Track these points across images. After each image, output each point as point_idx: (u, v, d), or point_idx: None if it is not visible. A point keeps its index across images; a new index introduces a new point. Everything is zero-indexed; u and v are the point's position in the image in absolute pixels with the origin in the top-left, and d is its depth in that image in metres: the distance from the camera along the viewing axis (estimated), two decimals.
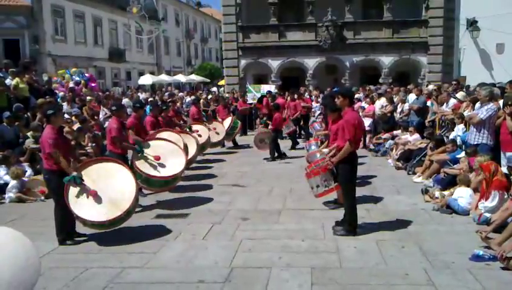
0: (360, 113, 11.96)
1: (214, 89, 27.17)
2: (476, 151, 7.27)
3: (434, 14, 22.44)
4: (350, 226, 5.84)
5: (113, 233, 6.04)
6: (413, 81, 19.70)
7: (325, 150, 7.15)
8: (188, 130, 10.82)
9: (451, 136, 9.31)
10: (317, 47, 23.09)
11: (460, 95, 10.82)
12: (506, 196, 6.10)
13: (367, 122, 12.46)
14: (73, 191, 5.74)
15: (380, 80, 22.66)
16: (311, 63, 23.61)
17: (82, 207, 5.71)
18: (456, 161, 8.12)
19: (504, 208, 5.72)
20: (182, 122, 11.68)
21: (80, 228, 6.04)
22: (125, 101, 16.84)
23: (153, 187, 7.68)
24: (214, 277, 4.71)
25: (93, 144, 10.96)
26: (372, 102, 13.79)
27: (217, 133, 12.55)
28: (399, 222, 6.33)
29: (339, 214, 6.26)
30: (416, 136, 10.67)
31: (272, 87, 20.71)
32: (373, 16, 24.16)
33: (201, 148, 10.78)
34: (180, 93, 23.90)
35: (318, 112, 15.35)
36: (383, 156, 11.60)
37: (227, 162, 12.02)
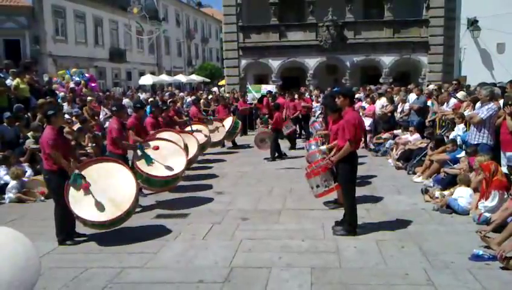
0: (361, 113, 11.96)
1: (215, 89, 27.16)
2: (476, 151, 7.26)
3: (435, 14, 22.43)
4: (350, 226, 5.84)
5: (113, 233, 6.04)
6: (413, 81, 19.69)
7: (323, 147, 7.14)
8: (187, 123, 10.85)
9: (451, 136, 9.30)
10: (317, 47, 23.10)
11: (460, 94, 10.80)
12: (506, 196, 6.10)
13: (367, 122, 12.46)
14: (73, 191, 5.75)
15: (381, 80, 22.66)
16: (311, 63, 23.62)
17: (82, 207, 5.71)
18: (456, 161, 8.11)
19: (504, 208, 5.72)
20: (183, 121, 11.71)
21: (79, 228, 6.05)
22: (125, 101, 16.85)
23: (153, 187, 7.68)
24: (213, 277, 4.71)
25: (94, 144, 10.97)
26: (373, 102, 13.79)
27: (218, 132, 12.55)
28: (399, 221, 6.33)
29: (339, 214, 6.26)
30: (417, 136, 10.67)
31: (272, 87, 20.71)
32: (374, 15, 24.16)
33: (201, 148, 10.79)
34: (181, 94, 23.90)
35: (318, 112, 15.34)
36: (383, 156, 11.60)
37: (227, 162, 12.02)
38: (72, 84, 15.72)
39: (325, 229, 6.06)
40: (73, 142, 9.06)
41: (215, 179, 9.79)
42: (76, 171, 5.75)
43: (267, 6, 23.33)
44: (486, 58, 21.66)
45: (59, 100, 13.54)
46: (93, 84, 17.28)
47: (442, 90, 12.56)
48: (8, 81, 11.99)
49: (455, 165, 7.95)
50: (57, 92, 14.76)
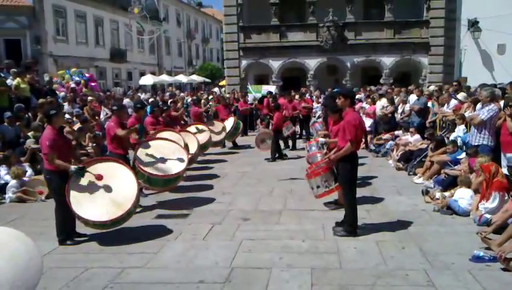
0: (361, 114, 11.97)
1: (216, 89, 27.16)
2: (477, 152, 7.26)
3: (435, 15, 22.44)
4: (350, 226, 5.84)
5: (114, 233, 6.04)
6: (414, 82, 19.70)
7: (322, 139, 7.11)
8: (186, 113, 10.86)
9: (451, 137, 9.30)
10: (318, 47, 23.11)
11: (461, 95, 10.80)
12: (506, 197, 6.10)
13: (368, 122, 12.46)
14: (74, 191, 5.75)
15: (381, 81, 22.67)
16: (312, 63, 23.63)
17: (83, 207, 5.71)
18: (456, 162, 8.11)
19: (504, 209, 5.71)
20: (183, 122, 11.74)
21: (80, 228, 6.05)
22: (126, 101, 16.84)
23: (155, 186, 7.68)
24: (214, 277, 4.71)
25: (94, 144, 10.97)
26: (373, 103, 13.79)
27: (218, 133, 12.57)
28: (399, 222, 6.33)
29: (339, 214, 6.26)
30: (417, 137, 10.66)
31: (272, 88, 20.71)
32: (374, 16, 24.16)
33: (202, 148, 10.80)
34: (181, 94, 23.91)
35: (319, 113, 15.34)
36: (384, 157, 11.61)
37: (228, 162, 12.02)
38: (72, 84, 15.73)
39: (326, 230, 6.06)
40: (73, 142, 9.05)
41: (216, 179, 9.79)
42: (73, 167, 5.72)
43: (268, 6, 23.35)
44: (487, 59, 21.67)
45: (59, 100, 13.54)
46: (93, 84, 17.28)
47: (443, 91, 12.55)
48: (9, 81, 11.99)
49: (456, 167, 7.96)
50: (57, 92, 14.75)
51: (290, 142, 13.70)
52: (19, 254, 3.32)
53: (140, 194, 7.11)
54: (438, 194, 7.24)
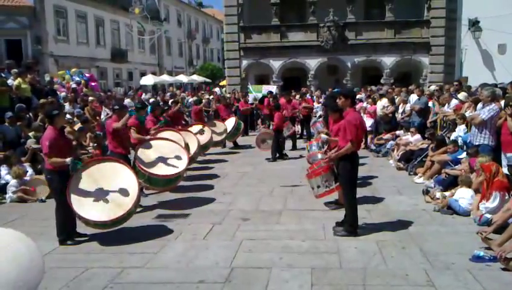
0: (362, 114, 11.97)
1: (217, 89, 27.16)
2: (477, 151, 7.26)
3: (436, 15, 22.42)
4: (351, 226, 5.84)
5: (114, 233, 6.05)
6: (414, 82, 19.66)
7: (324, 136, 7.10)
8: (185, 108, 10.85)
9: (452, 137, 9.29)
10: (318, 47, 23.09)
11: (461, 95, 10.79)
12: (507, 197, 6.10)
13: (368, 122, 12.45)
14: (75, 192, 5.75)
15: (382, 81, 22.64)
16: (312, 63, 23.61)
17: (84, 207, 5.72)
18: (457, 162, 8.11)
19: (505, 209, 5.70)
20: (184, 122, 11.76)
21: (80, 228, 6.05)
22: (127, 101, 16.85)
23: (155, 186, 7.69)
24: (214, 277, 4.71)
25: (95, 144, 10.97)
26: (374, 102, 13.78)
27: (219, 134, 12.57)
28: (400, 222, 6.33)
29: (340, 214, 6.26)
30: (418, 136, 10.66)
31: (273, 88, 20.71)
32: (375, 16, 24.14)
33: (203, 148, 10.81)
34: (182, 94, 23.91)
35: (319, 113, 15.34)
36: (385, 157, 11.60)
37: (228, 162, 12.03)
38: (73, 85, 15.74)
39: (326, 230, 6.05)
40: (74, 142, 9.05)
41: (216, 179, 9.80)
42: (68, 160, 5.69)
43: (268, 6, 23.34)
44: (488, 59, 21.64)
45: (60, 100, 13.55)
46: (93, 84, 17.29)
47: (444, 91, 12.54)
48: (10, 81, 12.00)
49: (456, 166, 7.95)
50: (58, 92, 14.77)
51: (291, 143, 13.67)
52: (21, 255, 3.34)
53: (141, 194, 7.12)
54: (438, 194, 7.24)
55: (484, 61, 21.64)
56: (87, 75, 17.96)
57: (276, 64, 23.82)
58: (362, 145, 8.73)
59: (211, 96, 20.42)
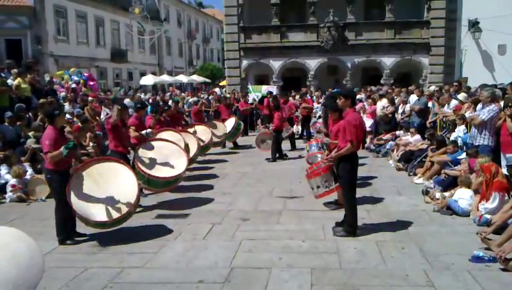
0: (362, 114, 11.97)
1: (217, 89, 27.17)
2: (477, 152, 7.26)
3: (436, 15, 22.42)
4: (350, 227, 5.84)
5: (114, 233, 6.05)
6: (414, 82, 19.69)
7: (326, 139, 7.08)
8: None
9: (452, 137, 9.29)
10: (318, 48, 23.09)
11: (461, 96, 10.79)
12: (506, 198, 6.10)
13: (368, 123, 12.46)
14: (74, 191, 5.75)
15: (382, 81, 22.65)
16: (312, 63, 23.61)
17: (84, 207, 5.72)
18: (457, 162, 8.11)
19: (504, 210, 5.71)
20: (184, 122, 11.79)
21: (80, 228, 6.05)
22: (126, 101, 16.85)
23: (154, 187, 7.69)
24: (214, 277, 4.72)
25: (95, 144, 10.97)
26: (374, 103, 13.79)
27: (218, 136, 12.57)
28: (399, 223, 6.33)
29: (339, 214, 6.26)
30: (417, 137, 10.67)
31: (273, 88, 20.72)
32: (375, 16, 24.15)
33: (203, 149, 10.81)
34: (182, 94, 23.90)
35: (319, 113, 15.34)
36: (384, 157, 11.60)
37: (228, 162, 12.02)
38: (73, 85, 15.73)
39: (326, 230, 6.06)
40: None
41: (216, 179, 9.80)
42: (62, 147, 5.64)
43: (268, 7, 23.34)
44: (487, 59, 21.65)
45: (60, 100, 13.55)
46: (91, 83, 17.28)
47: (443, 92, 12.55)
48: (10, 81, 11.99)
49: (456, 167, 7.95)
50: (58, 92, 14.76)
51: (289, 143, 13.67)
52: (21, 253, 3.36)
53: (141, 194, 7.12)
54: (438, 195, 7.24)
55: (484, 62, 21.65)
56: (85, 74, 17.95)
57: (276, 64, 23.82)
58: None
59: (210, 97, 20.43)
